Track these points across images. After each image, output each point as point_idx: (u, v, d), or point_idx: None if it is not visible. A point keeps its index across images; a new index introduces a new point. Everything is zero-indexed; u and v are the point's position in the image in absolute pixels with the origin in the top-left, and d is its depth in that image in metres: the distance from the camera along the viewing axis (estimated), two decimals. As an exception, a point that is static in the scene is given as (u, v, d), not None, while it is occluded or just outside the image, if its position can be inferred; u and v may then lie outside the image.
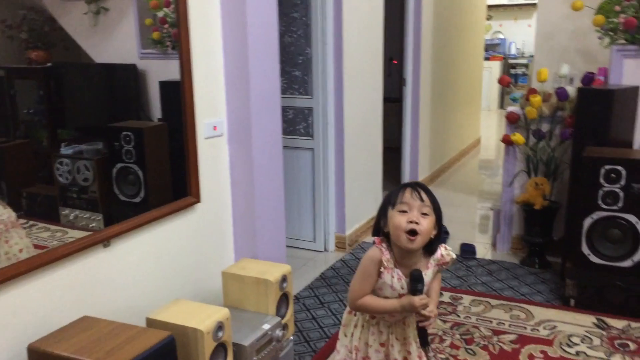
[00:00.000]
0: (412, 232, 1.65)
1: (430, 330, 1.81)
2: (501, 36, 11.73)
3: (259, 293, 2.24)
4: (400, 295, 1.74)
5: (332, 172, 3.92)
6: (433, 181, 5.92)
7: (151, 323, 1.89)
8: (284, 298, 2.32)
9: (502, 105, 11.41)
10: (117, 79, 2.33)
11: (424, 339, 1.78)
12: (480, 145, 8.17)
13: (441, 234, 1.76)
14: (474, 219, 4.99)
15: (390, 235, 1.72)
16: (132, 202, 2.31)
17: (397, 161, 5.49)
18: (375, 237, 1.79)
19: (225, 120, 2.66)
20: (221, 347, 1.93)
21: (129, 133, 2.26)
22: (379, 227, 1.78)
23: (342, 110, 3.85)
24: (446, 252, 1.81)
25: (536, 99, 3.52)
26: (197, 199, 2.47)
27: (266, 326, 2.14)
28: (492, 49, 11.34)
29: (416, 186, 1.71)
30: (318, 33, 3.74)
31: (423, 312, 1.71)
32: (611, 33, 3.46)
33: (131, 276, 2.16)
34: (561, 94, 3.49)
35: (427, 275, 1.77)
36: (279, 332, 2.19)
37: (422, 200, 1.67)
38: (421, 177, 5.56)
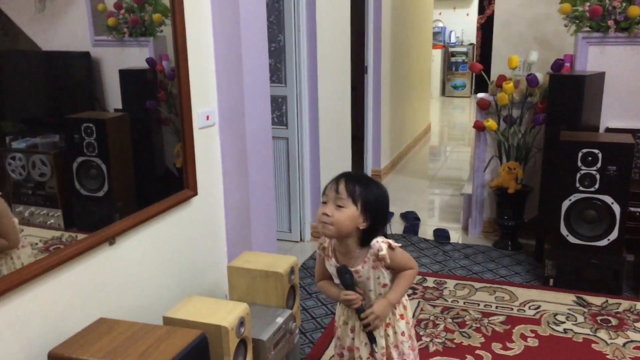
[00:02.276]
0: (326, 224, 1.70)
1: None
2: (441, 24, 11.98)
3: (268, 286, 2.19)
4: None
5: (307, 161, 3.88)
6: (393, 168, 5.99)
7: (169, 322, 1.80)
8: (291, 290, 2.27)
9: (443, 93, 11.70)
10: (68, 68, 2.17)
11: (370, 336, 1.78)
12: (431, 132, 8.34)
13: (376, 227, 1.73)
14: (438, 204, 5.09)
15: None
16: (95, 196, 2.19)
17: (358, 149, 5.51)
18: None
19: (217, 110, 2.56)
20: (242, 343, 1.87)
21: (90, 124, 2.13)
22: None
23: (317, 99, 3.80)
24: (380, 245, 1.73)
25: (509, 85, 3.60)
26: (195, 192, 2.37)
27: (279, 319, 2.09)
28: (433, 38, 11.56)
29: (340, 177, 1.72)
30: (291, 19, 3.67)
31: (365, 313, 1.74)
32: (577, 21, 3.59)
33: (137, 273, 2.05)
34: (532, 80, 3.60)
35: (364, 269, 1.75)
36: (291, 325, 2.14)
37: (337, 192, 1.68)
38: (383, 164, 5.61)
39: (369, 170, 5.51)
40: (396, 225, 4.31)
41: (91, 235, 1.85)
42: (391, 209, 4.55)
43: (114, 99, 2.29)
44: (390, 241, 1.75)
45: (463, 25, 11.75)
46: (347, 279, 1.74)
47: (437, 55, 11.16)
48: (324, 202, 1.71)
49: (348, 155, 4.57)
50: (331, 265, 1.80)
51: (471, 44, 11.43)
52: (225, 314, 1.82)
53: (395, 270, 1.79)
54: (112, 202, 2.17)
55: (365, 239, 1.74)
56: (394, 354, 1.83)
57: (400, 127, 6.34)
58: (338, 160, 4.31)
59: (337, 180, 1.71)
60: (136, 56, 2.35)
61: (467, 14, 11.71)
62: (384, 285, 1.79)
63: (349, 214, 1.67)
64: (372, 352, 1.83)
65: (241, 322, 1.84)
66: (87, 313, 1.78)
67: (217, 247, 2.64)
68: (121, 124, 2.34)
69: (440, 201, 5.17)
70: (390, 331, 1.83)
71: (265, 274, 2.19)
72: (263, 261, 2.27)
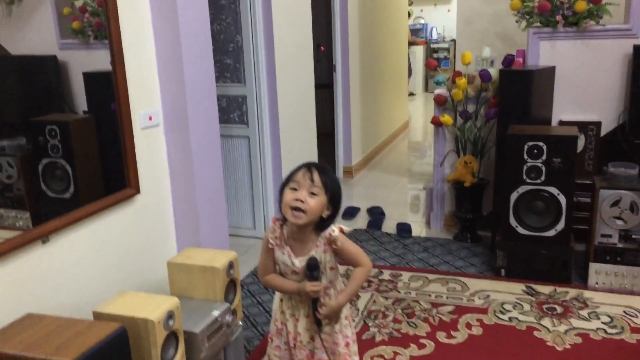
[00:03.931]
0: (297, 210, 1.72)
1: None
2: (422, 21, 12.04)
3: (207, 281, 2.25)
4: (294, 272, 1.82)
5: (269, 159, 3.94)
6: (366, 164, 6.05)
7: (99, 316, 1.86)
8: (231, 284, 2.33)
9: (426, 89, 11.76)
10: (36, 71, 2.22)
11: (317, 320, 1.83)
12: (410, 128, 8.40)
13: (336, 214, 1.81)
14: (408, 199, 5.15)
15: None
16: (62, 198, 2.23)
17: (331, 146, 5.59)
18: (274, 217, 1.83)
19: (161, 111, 2.62)
20: (172, 335, 1.93)
21: (54, 127, 2.18)
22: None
23: (276, 97, 3.86)
24: (332, 228, 1.80)
25: (462, 81, 3.67)
26: (137, 190, 2.43)
27: (215, 312, 2.15)
28: (414, 34, 11.63)
29: (311, 166, 1.77)
30: (248, 20, 3.73)
31: (322, 303, 1.79)
32: (527, 16, 3.66)
33: (73, 271, 2.11)
34: (484, 75, 3.66)
35: (317, 254, 1.80)
36: (228, 318, 2.20)
37: (312, 180, 1.73)
38: (355, 161, 5.67)
39: (340, 166, 5.58)
40: (362, 220, 4.37)
41: (22, 233, 1.90)
42: (359, 204, 4.67)
43: (82, 101, 2.35)
44: (341, 226, 1.82)
45: (444, 22, 11.82)
46: (317, 271, 1.77)
47: (420, 51, 11.22)
48: (294, 189, 1.74)
49: (314, 152, 4.63)
50: (284, 255, 1.82)
51: (452, 39, 11.48)
52: (154, 307, 1.88)
53: (342, 258, 1.84)
54: (79, 203, 2.20)
55: (323, 226, 1.80)
56: (339, 338, 1.89)
57: (374, 124, 6.41)
58: (302, 156, 4.36)
59: (309, 169, 1.75)
60: (102, 59, 2.39)
61: (448, 10, 11.77)
62: (332, 269, 1.84)
63: (321, 202, 1.74)
64: (312, 337, 1.88)
65: (169, 316, 1.89)
66: (17, 309, 1.83)
67: (166, 245, 2.70)
68: (86, 126, 2.39)
69: (409, 196, 5.23)
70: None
71: (203, 269, 2.25)
72: (203, 257, 2.33)
